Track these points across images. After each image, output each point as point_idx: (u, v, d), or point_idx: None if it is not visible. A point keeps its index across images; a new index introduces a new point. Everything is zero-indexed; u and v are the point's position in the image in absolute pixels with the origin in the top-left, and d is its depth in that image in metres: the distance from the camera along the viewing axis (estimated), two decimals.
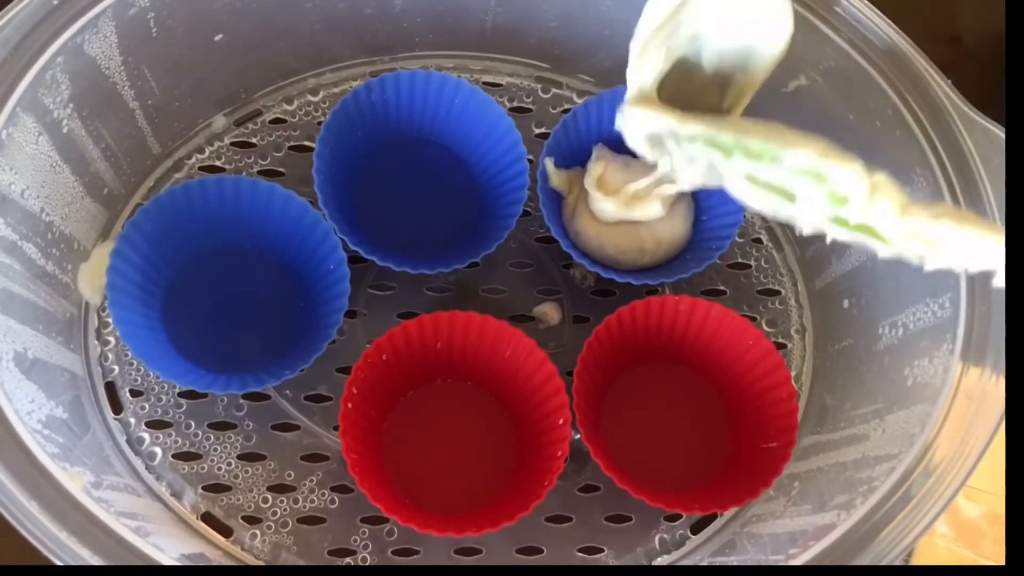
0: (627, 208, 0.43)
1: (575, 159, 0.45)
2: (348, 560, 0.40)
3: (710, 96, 0.40)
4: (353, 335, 0.44)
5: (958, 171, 0.40)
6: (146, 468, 0.40)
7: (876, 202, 0.31)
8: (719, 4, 0.37)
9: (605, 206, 0.43)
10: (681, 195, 0.44)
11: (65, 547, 0.31)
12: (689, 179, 0.39)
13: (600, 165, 0.44)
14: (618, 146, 0.42)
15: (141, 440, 0.41)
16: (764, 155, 0.33)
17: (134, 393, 0.42)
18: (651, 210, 0.43)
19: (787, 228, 0.49)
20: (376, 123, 0.45)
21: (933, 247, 0.32)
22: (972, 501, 0.43)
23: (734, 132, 0.33)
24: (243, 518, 0.40)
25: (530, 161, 0.44)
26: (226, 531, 0.40)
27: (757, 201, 0.35)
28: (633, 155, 0.40)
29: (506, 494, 0.40)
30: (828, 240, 0.34)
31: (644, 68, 0.37)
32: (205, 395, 0.42)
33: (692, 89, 0.40)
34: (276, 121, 0.48)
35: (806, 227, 0.34)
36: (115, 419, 0.41)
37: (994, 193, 0.39)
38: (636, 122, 0.36)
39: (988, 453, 0.35)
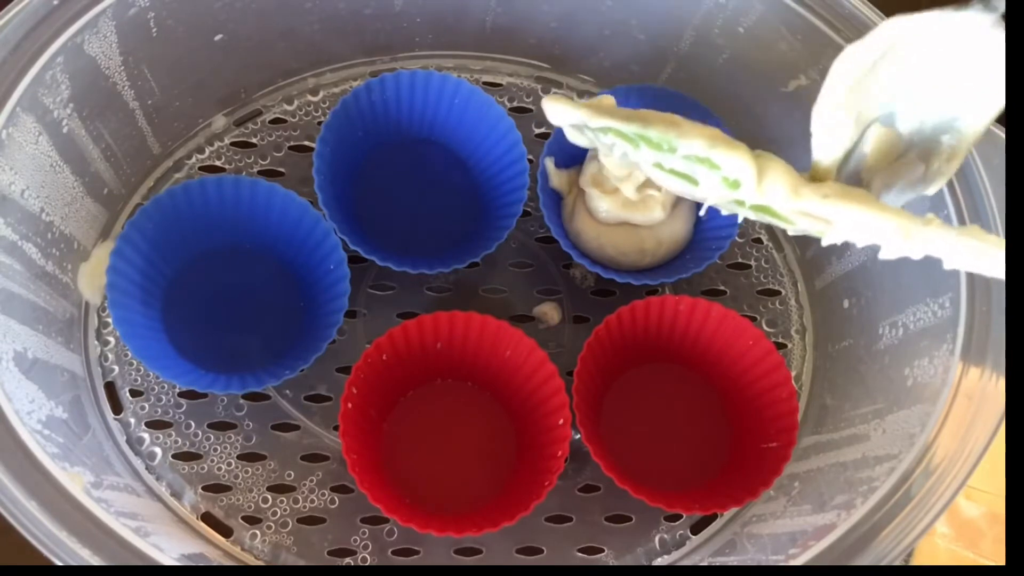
0: (626, 209, 0.43)
1: (575, 159, 0.45)
2: (348, 560, 0.40)
3: (911, 168, 0.36)
4: (353, 335, 0.44)
5: (958, 171, 0.40)
6: (146, 468, 0.40)
7: (766, 185, 0.34)
8: (920, 64, 0.34)
9: (603, 205, 0.43)
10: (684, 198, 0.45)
11: (65, 547, 0.31)
12: (614, 164, 0.41)
13: (595, 164, 0.44)
14: None
15: (141, 440, 0.41)
16: (663, 145, 0.35)
17: (134, 393, 0.42)
18: (651, 214, 0.43)
19: None
20: (376, 123, 0.45)
21: (827, 224, 0.34)
22: (972, 501, 0.43)
23: (637, 124, 0.35)
24: (243, 518, 0.40)
25: (530, 161, 0.44)
26: (226, 531, 0.40)
27: (669, 184, 0.37)
28: None
29: (506, 494, 0.40)
30: (740, 220, 0.37)
31: (832, 139, 0.35)
32: (205, 395, 0.42)
33: (889, 159, 0.37)
34: (276, 121, 0.48)
35: (723, 209, 0.36)
36: (115, 419, 0.41)
37: (994, 193, 0.39)
38: (552, 113, 0.37)
39: (988, 453, 0.35)
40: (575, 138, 0.39)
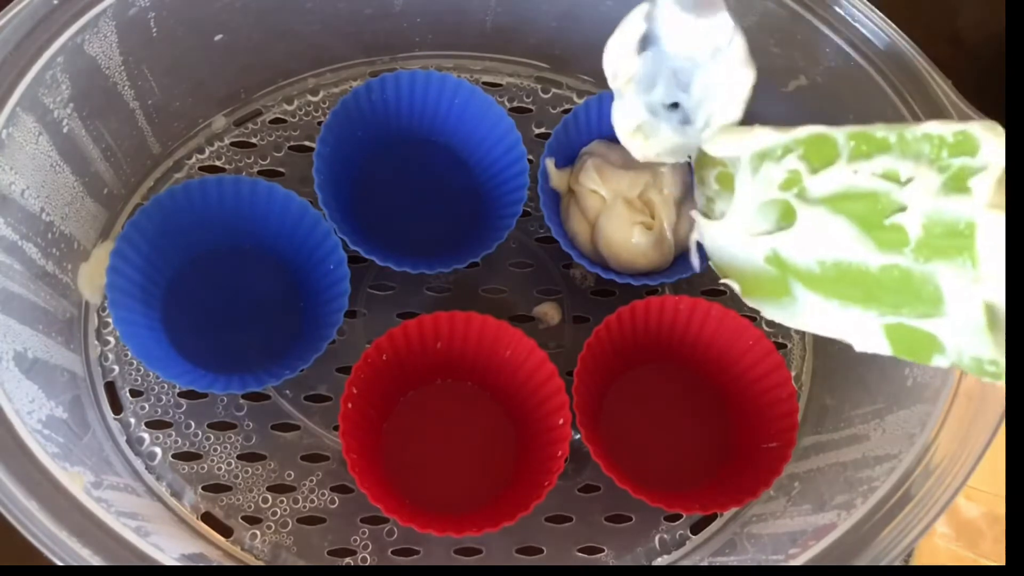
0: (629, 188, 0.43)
1: (575, 159, 0.45)
2: (348, 560, 0.40)
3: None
4: (353, 335, 0.44)
5: None
6: (146, 468, 0.40)
7: (997, 193, 0.28)
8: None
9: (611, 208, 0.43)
10: (688, 197, 0.44)
11: (65, 547, 0.31)
12: (589, 178, 0.40)
13: (580, 161, 0.44)
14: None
15: (141, 440, 0.41)
16: (888, 137, 0.30)
17: (134, 393, 0.42)
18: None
19: None
20: (376, 123, 0.45)
21: None
22: (972, 501, 0.43)
23: (848, 127, 0.31)
24: (243, 518, 0.40)
25: (530, 161, 0.44)
26: (226, 531, 0.40)
27: (824, 236, 0.32)
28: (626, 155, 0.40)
29: (506, 494, 0.40)
30: (864, 347, 0.33)
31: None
32: (205, 395, 0.42)
33: None
34: (276, 121, 0.48)
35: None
36: (115, 419, 0.41)
37: None
38: (731, 145, 0.34)
39: (988, 453, 0.35)
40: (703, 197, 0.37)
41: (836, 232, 0.32)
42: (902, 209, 0.30)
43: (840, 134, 0.32)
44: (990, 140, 0.28)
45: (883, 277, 0.31)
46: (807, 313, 0.34)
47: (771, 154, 0.34)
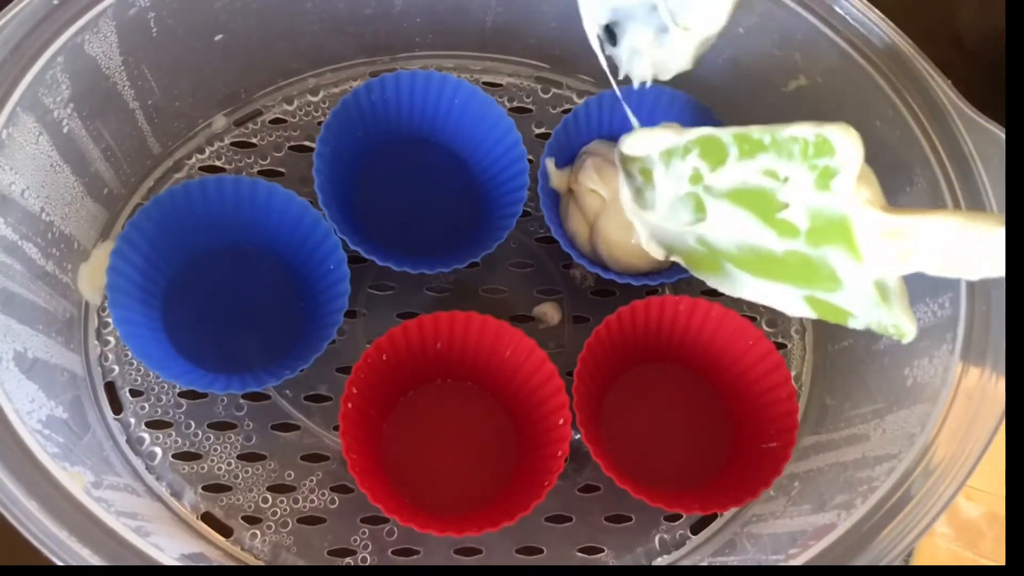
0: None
1: (575, 159, 0.45)
2: (348, 560, 0.40)
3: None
4: (353, 335, 0.44)
5: (958, 171, 0.40)
6: (146, 468, 0.40)
7: (861, 190, 0.31)
8: None
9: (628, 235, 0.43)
10: None
11: (65, 547, 0.31)
12: (588, 177, 0.41)
13: (580, 161, 0.44)
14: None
15: (141, 440, 0.41)
16: (763, 138, 0.33)
17: (134, 393, 0.42)
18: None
19: None
20: (376, 123, 0.45)
21: (911, 245, 0.31)
22: (972, 501, 0.43)
23: (734, 127, 0.34)
24: (243, 518, 0.40)
25: (530, 161, 0.44)
26: (226, 531, 0.40)
27: (732, 220, 0.35)
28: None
29: (506, 494, 0.40)
30: (794, 313, 0.36)
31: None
32: (205, 395, 0.42)
33: None
34: (276, 121, 0.48)
35: (788, 308, 0.36)
36: (115, 419, 0.41)
37: (994, 193, 0.39)
38: (637, 146, 0.38)
39: (988, 453, 0.35)
40: (627, 201, 0.39)
41: (741, 223, 0.36)
42: (786, 206, 0.33)
43: (726, 135, 0.35)
44: (844, 142, 0.31)
45: (788, 260, 0.35)
46: (742, 286, 0.38)
47: (676, 152, 0.37)
